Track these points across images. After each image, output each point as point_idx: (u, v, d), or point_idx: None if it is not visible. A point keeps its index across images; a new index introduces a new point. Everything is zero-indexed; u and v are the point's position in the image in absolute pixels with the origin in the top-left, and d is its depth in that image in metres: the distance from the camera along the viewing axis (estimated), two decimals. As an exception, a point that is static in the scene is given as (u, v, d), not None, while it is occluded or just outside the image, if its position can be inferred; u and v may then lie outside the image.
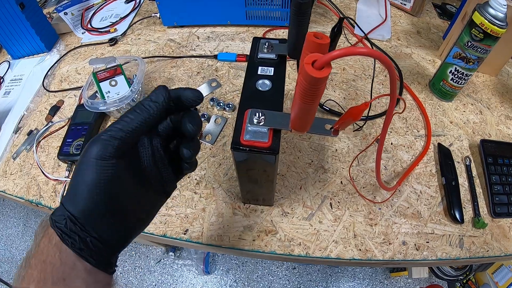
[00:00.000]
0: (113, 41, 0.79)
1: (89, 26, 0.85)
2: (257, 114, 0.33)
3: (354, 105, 0.65)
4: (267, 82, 0.39)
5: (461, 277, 1.26)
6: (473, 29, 0.53)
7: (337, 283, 1.37)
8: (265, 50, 0.41)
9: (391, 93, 0.25)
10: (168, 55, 0.74)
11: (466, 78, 0.60)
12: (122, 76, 0.60)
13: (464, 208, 0.52)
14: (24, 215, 1.66)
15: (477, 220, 0.51)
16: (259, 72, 0.40)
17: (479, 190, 0.55)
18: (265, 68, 0.40)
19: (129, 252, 1.47)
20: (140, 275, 1.42)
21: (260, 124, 0.33)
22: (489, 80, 0.71)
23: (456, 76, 0.60)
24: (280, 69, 0.40)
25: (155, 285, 1.39)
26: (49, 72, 0.75)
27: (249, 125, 0.33)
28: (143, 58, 0.73)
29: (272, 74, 0.40)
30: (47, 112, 0.67)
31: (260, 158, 0.34)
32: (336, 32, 0.38)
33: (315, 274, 1.39)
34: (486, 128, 0.62)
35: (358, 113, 0.26)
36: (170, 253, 1.43)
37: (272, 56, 0.41)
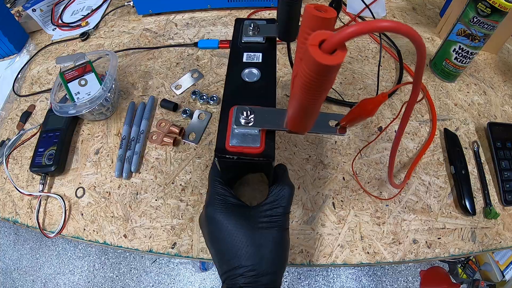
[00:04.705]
0: (84, 36, 0.72)
1: (60, 21, 0.77)
2: (244, 112, 0.27)
3: (352, 90, 0.59)
4: (254, 71, 0.33)
5: (462, 258, 1.26)
6: (479, 4, 0.48)
7: (337, 268, 1.35)
8: (251, 33, 0.35)
9: (415, 80, 0.20)
10: (144, 47, 0.67)
11: (471, 57, 0.55)
12: (93, 73, 0.54)
13: (474, 197, 0.48)
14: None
15: (488, 211, 0.47)
16: (244, 59, 0.34)
17: (488, 177, 0.51)
18: (252, 54, 0.34)
19: (123, 254, 1.43)
20: (137, 277, 1.38)
21: (249, 124, 0.27)
22: (490, 58, 0.66)
23: (460, 55, 0.55)
24: (270, 54, 0.34)
25: (153, 286, 1.36)
26: (19, 75, 0.67)
27: (235, 127, 0.27)
28: (117, 51, 0.66)
29: (260, 60, 0.33)
30: (19, 119, 0.60)
31: (251, 167, 0.28)
32: (335, 8, 0.32)
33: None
34: (491, 109, 0.58)
35: (373, 107, 0.21)
36: (165, 253, 1.39)
37: (260, 39, 0.35)
